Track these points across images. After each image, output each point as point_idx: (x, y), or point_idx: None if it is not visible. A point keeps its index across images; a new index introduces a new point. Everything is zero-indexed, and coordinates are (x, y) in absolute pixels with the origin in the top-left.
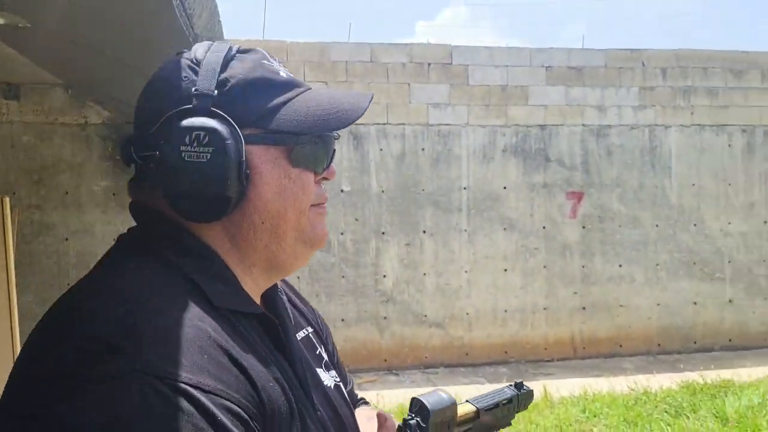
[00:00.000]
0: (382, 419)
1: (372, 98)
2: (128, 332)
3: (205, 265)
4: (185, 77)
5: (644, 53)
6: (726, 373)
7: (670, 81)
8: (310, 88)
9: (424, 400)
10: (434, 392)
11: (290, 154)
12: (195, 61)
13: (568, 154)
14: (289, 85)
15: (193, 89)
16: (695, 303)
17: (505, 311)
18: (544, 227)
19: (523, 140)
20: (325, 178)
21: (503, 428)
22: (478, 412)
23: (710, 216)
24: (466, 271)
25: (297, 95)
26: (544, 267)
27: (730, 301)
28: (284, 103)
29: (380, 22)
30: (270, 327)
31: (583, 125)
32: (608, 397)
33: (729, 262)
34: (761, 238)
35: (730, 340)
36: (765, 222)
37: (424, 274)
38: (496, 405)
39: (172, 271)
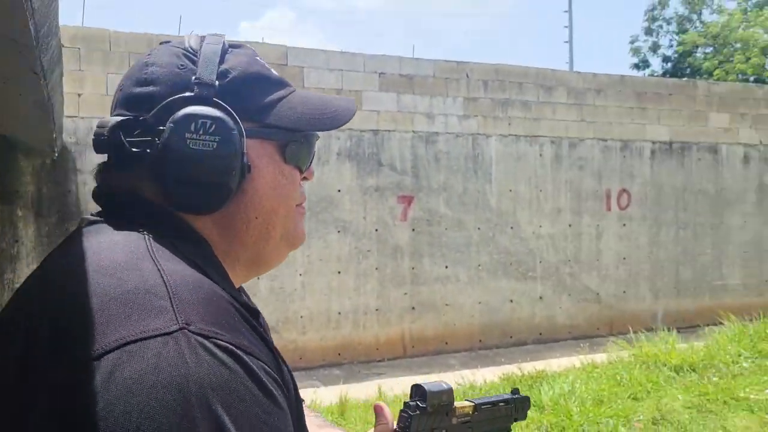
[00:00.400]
0: (378, 409)
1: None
2: (162, 293)
3: (200, 252)
4: (182, 65)
5: (468, 66)
6: (540, 365)
7: (490, 93)
8: (296, 89)
9: (422, 384)
10: (433, 381)
11: (284, 150)
12: (191, 50)
13: (399, 159)
14: (282, 82)
15: (193, 78)
16: (511, 300)
17: (339, 313)
18: (376, 230)
19: (357, 144)
20: (305, 178)
21: None
22: (475, 407)
23: (524, 220)
24: (300, 274)
25: (289, 93)
26: (376, 269)
27: (540, 298)
28: (280, 99)
29: (204, 19)
30: (255, 320)
31: (413, 132)
32: None
33: (540, 262)
34: (566, 240)
35: (540, 334)
36: (569, 225)
37: (258, 278)
38: (493, 404)
39: (176, 249)
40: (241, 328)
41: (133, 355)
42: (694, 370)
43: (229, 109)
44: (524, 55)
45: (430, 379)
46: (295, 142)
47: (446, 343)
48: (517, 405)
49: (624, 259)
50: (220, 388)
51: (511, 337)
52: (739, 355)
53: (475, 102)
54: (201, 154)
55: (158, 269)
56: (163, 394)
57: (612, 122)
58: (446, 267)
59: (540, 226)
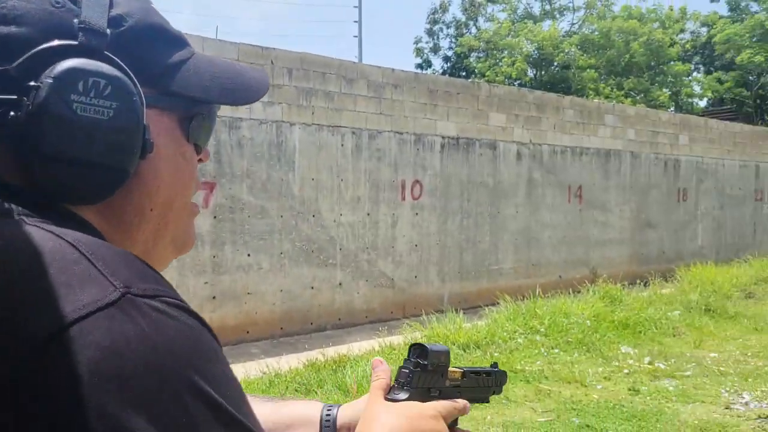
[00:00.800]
0: (377, 362)
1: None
2: (75, 256)
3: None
4: (58, 3)
5: (273, 52)
6: (342, 349)
7: (295, 81)
8: (196, 51)
9: (424, 344)
10: (433, 342)
11: (188, 125)
12: None
13: None
14: (183, 40)
15: (76, 21)
16: (312, 287)
17: None
18: None
19: None
20: (200, 160)
21: (480, 402)
22: (464, 374)
23: (326, 208)
24: None
25: (192, 55)
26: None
27: (340, 284)
28: (183, 61)
29: None
30: None
31: (218, 116)
32: (244, 382)
33: (340, 249)
34: (365, 228)
35: (339, 319)
36: (368, 214)
37: None
38: (477, 373)
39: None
40: (165, 282)
41: (75, 341)
42: (478, 347)
43: (125, 67)
44: (318, 45)
45: (235, 370)
46: (199, 115)
47: (248, 331)
48: (497, 378)
49: (416, 246)
50: (191, 354)
51: (311, 323)
52: (515, 332)
53: (280, 89)
54: (91, 124)
55: (47, 231)
56: (136, 381)
57: (407, 116)
58: (248, 255)
59: (341, 215)
